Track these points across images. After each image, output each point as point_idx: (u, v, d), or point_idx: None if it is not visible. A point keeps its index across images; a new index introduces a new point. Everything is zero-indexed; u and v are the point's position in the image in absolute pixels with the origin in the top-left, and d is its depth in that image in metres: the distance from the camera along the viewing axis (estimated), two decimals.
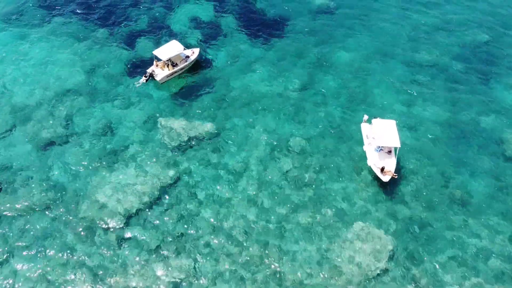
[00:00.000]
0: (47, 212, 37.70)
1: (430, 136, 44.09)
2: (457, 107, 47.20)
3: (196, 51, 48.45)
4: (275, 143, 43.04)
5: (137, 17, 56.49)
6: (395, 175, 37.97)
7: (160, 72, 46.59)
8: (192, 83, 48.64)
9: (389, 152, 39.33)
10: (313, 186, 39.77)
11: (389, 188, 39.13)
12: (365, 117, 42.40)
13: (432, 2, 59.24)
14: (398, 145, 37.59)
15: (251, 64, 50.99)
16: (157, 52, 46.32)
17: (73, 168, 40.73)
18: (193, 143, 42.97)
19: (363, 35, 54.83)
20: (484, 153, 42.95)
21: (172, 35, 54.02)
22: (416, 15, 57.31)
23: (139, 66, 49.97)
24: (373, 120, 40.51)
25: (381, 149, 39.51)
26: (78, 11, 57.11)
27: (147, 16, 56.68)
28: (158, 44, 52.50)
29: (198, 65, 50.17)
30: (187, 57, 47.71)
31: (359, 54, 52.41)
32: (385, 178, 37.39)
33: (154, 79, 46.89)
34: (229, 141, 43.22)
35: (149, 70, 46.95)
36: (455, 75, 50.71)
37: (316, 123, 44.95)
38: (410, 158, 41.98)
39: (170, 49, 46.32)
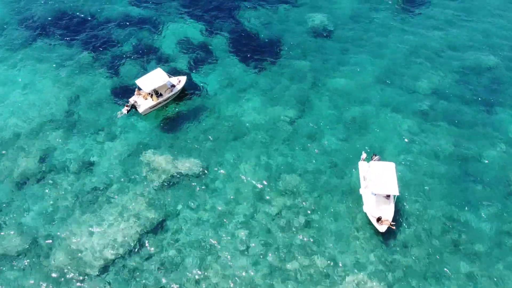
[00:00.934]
0: (18, 260, 34.97)
1: (431, 173, 41.28)
2: (460, 140, 44.37)
3: (183, 79, 45.58)
4: (265, 182, 40.27)
5: (123, 39, 53.72)
6: (392, 225, 35.17)
7: (143, 103, 43.73)
8: (178, 112, 45.88)
9: (387, 196, 36.54)
10: (305, 231, 37.00)
11: (386, 234, 36.31)
12: (363, 155, 39.64)
13: (432, 24, 56.28)
14: (396, 193, 34.79)
15: (242, 91, 48.26)
16: (139, 82, 43.47)
17: (49, 210, 38.00)
18: (179, 180, 40.24)
19: (360, 59, 52.00)
20: (491, 192, 40.11)
21: (159, 59, 51.35)
22: (415, 38, 54.44)
23: (124, 93, 47.22)
24: (371, 163, 37.72)
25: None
26: (61, 32, 54.39)
27: (133, 38, 53.91)
28: (144, 69, 49.90)
29: (185, 93, 47.42)
30: (173, 86, 44.80)
31: (356, 81, 49.61)
32: (382, 228, 34.61)
33: (137, 110, 44.04)
34: (217, 179, 40.51)
35: (131, 100, 44.09)
36: (457, 103, 47.86)
37: (310, 158, 42.17)
38: (410, 198, 39.18)
39: (154, 79, 43.37)
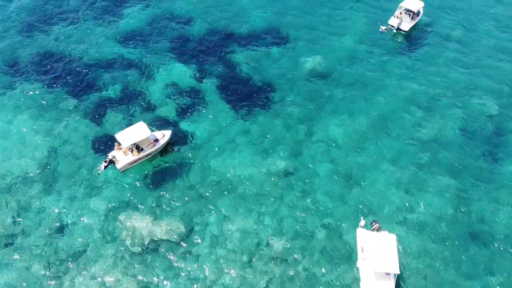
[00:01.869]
0: None
1: (434, 237, 38.17)
2: (464, 197, 41.39)
3: (167, 134, 42.70)
4: (253, 248, 37.06)
5: (108, 84, 51.21)
6: None
7: (122, 159, 40.67)
8: (163, 167, 42.95)
9: (388, 273, 33.31)
10: None
11: None
12: (362, 222, 36.54)
13: (432, 67, 53.99)
14: (397, 271, 31.59)
15: (232, 142, 45.45)
16: (119, 136, 40.55)
17: (17, 283, 34.64)
18: (160, 246, 37.02)
19: (356, 105, 49.45)
20: (501, 260, 36.92)
21: (145, 106, 48.74)
22: (414, 83, 52.05)
23: (106, 144, 44.38)
24: (370, 233, 34.61)
25: None
26: (43, 76, 51.92)
27: (119, 82, 51.41)
28: (129, 117, 47.23)
29: (171, 146, 44.55)
30: (156, 140, 41.91)
31: (352, 129, 46.91)
32: None
33: (115, 165, 41.01)
34: (201, 244, 37.30)
35: (110, 155, 41.04)
36: (460, 155, 45.06)
37: (302, 222, 39.04)
38: (411, 268, 35.94)
39: (135, 133, 40.40)
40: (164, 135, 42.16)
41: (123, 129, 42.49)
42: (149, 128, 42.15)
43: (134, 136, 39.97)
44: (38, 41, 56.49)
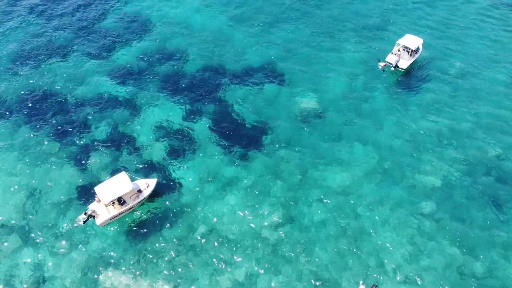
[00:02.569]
0: None
1: None
2: (470, 250, 38.77)
3: (152, 183, 40.18)
4: None
5: (96, 124, 49.07)
6: None
7: (102, 213, 37.92)
8: (148, 218, 40.36)
9: None
10: None
11: None
12: (361, 287, 33.86)
13: (431, 107, 51.96)
14: None
15: (222, 190, 43.00)
16: (99, 190, 37.85)
17: None
18: None
19: (353, 149, 47.21)
20: None
21: (133, 148, 46.48)
22: (414, 124, 49.95)
23: (89, 192, 41.90)
24: None
25: None
26: (27, 116, 49.81)
27: (107, 122, 49.29)
28: (115, 162, 44.88)
29: (157, 193, 42.08)
30: (140, 191, 39.37)
31: (349, 175, 44.54)
32: None
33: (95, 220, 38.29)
34: None
35: (90, 209, 38.27)
36: (464, 204, 42.53)
37: (297, 278, 36.31)
38: None
39: (116, 187, 37.55)
40: (148, 185, 39.62)
41: (105, 179, 40.06)
42: (133, 177, 39.72)
43: (115, 190, 37.25)
44: (24, 78, 54.65)
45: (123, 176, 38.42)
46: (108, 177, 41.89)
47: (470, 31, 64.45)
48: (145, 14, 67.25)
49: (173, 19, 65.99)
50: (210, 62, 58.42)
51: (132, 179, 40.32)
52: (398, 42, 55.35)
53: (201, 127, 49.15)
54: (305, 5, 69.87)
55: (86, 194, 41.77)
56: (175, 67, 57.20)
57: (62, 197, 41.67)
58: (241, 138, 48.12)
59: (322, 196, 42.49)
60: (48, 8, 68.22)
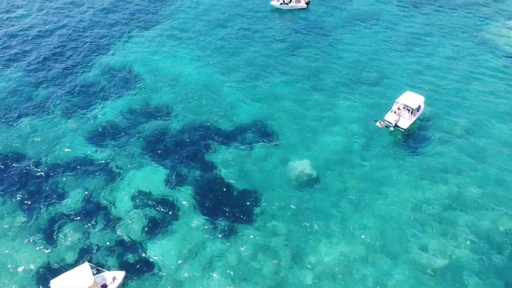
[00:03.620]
0: None
1: None
2: None
3: (119, 276, 35.21)
4: None
5: (68, 192, 45.01)
6: None
7: None
8: None
9: None
10: None
11: None
12: None
13: (436, 171, 47.86)
14: None
15: (205, 269, 38.40)
16: (55, 284, 33.07)
17: None
18: None
19: (351, 222, 42.75)
20: None
21: (108, 220, 42.21)
22: (417, 191, 45.68)
23: (54, 277, 37.17)
24: None
25: None
26: None
27: (81, 190, 45.19)
28: (85, 238, 40.49)
29: (127, 283, 37.38)
30: (105, 286, 34.46)
31: (347, 253, 39.94)
32: None
33: None
34: None
35: None
36: (473, 284, 37.84)
37: None
38: None
39: (75, 281, 32.71)
40: (115, 278, 34.80)
41: (64, 272, 35.12)
42: (98, 268, 35.01)
43: (74, 286, 32.36)
44: None
45: (85, 268, 33.60)
46: (72, 267, 37.15)
47: (471, 85, 61.34)
48: (131, 66, 64.43)
49: (160, 72, 63.09)
50: (198, 118, 54.90)
51: (98, 271, 35.68)
52: (397, 100, 51.90)
53: (185, 196, 44.95)
54: (295, 57, 67.23)
55: (55, 275, 37.02)
56: (160, 125, 53.62)
57: (24, 281, 36.94)
58: (228, 208, 43.84)
59: (314, 279, 37.77)
60: (25, 57, 65.36)
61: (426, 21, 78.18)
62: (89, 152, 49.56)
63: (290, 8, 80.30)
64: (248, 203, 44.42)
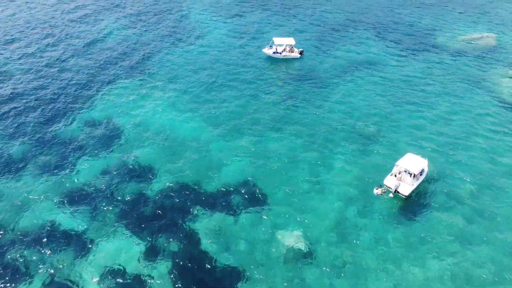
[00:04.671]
0: None
1: None
2: None
3: None
4: None
5: (30, 271, 39.91)
6: None
7: None
8: None
9: None
10: None
11: None
12: None
13: (441, 245, 43.05)
14: None
15: None
16: None
17: None
18: None
19: None
20: None
21: None
22: (421, 270, 40.87)
23: None
24: None
25: None
26: None
27: (45, 268, 40.16)
28: None
29: None
30: None
31: None
32: None
33: None
34: None
35: None
36: None
37: None
38: None
39: None
40: None
41: None
42: None
43: None
44: None
45: None
46: None
47: (475, 141, 57.62)
48: (113, 118, 60.69)
49: (143, 125, 59.30)
50: (181, 179, 50.59)
51: None
52: (397, 163, 47.82)
53: (161, 273, 39.95)
54: (287, 110, 63.75)
55: None
56: (138, 187, 49.20)
57: None
58: (209, 286, 38.88)
59: None
60: None
61: (425, 70, 75.44)
62: (57, 219, 44.86)
63: (283, 57, 77.61)
64: (231, 281, 39.41)
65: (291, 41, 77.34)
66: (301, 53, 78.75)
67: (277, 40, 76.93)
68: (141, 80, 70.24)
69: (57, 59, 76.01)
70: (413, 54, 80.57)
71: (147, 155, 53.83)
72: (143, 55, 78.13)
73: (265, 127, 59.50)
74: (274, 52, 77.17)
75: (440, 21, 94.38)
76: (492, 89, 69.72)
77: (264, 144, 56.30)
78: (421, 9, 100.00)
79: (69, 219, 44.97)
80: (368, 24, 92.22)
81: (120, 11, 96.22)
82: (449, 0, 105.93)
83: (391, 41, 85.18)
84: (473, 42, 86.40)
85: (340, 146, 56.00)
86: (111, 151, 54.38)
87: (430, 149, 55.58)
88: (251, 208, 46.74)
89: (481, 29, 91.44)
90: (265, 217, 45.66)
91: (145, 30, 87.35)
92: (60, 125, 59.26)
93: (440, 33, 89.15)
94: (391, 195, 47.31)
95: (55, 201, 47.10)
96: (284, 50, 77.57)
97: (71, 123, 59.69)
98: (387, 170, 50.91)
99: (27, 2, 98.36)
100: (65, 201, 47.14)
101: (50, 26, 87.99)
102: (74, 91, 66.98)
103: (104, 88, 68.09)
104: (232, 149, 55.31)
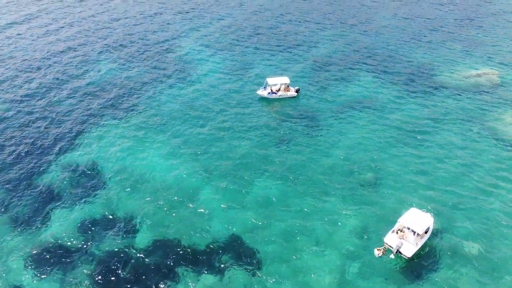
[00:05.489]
0: None
1: None
2: None
3: None
4: None
5: None
6: None
7: None
8: None
9: None
10: None
11: None
12: None
13: None
14: None
15: None
16: None
17: None
18: None
19: None
20: None
21: None
22: None
23: None
24: None
25: None
26: None
27: None
28: None
29: None
30: None
31: None
32: None
33: None
34: None
35: None
36: None
37: None
38: None
39: None
40: None
41: None
42: None
43: None
44: None
45: None
46: None
47: (486, 192, 53.66)
48: (95, 164, 57.15)
49: (128, 172, 55.66)
50: (166, 233, 46.74)
51: None
52: (400, 220, 43.97)
53: None
54: (282, 153, 60.14)
55: None
56: (118, 244, 45.20)
57: None
58: None
59: None
60: None
61: (425, 110, 72.21)
62: (25, 284, 40.70)
63: (279, 97, 74.74)
64: None
65: (285, 80, 74.61)
66: (297, 91, 75.90)
67: (271, 80, 74.20)
68: (126, 122, 66.95)
69: (38, 98, 73.11)
70: (413, 93, 77.66)
71: (128, 207, 50.03)
72: (131, 95, 75.11)
73: (258, 172, 55.88)
74: (269, 93, 74.32)
75: (439, 58, 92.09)
76: (497, 131, 66.36)
77: (254, 193, 52.56)
78: (420, 46, 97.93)
79: (38, 283, 40.84)
80: (366, 62, 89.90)
81: (109, 50, 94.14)
82: (448, 36, 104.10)
83: (389, 79, 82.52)
84: (474, 79, 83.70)
85: (336, 195, 52.17)
86: (90, 202, 50.65)
87: (433, 200, 51.73)
88: (240, 270, 42.64)
89: (482, 65, 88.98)
90: (255, 277, 41.53)
91: (134, 69, 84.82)
92: (40, 171, 55.72)
93: (440, 70, 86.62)
94: (392, 255, 43.18)
95: (23, 260, 43.08)
96: (279, 89, 74.77)
97: (52, 170, 56.12)
98: (389, 223, 47.00)
99: (8, 38, 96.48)
100: (34, 260, 43.12)
101: (34, 59, 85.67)
102: (58, 134, 63.67)
103: (87, 130, 64.79)
104: (220, 198, 51.56)
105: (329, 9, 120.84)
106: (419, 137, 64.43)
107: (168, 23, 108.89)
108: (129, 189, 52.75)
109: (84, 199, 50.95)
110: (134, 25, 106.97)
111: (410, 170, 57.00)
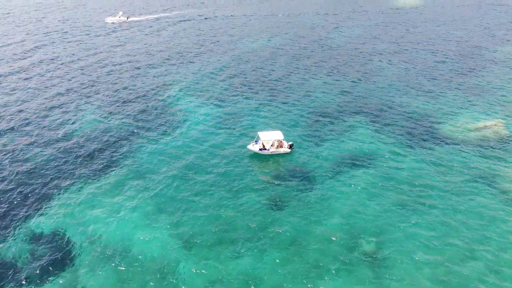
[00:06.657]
0: None
1: None
2: None
3: None
4: None
5: None
6: None
7: None
8: None
9: None
10: None
11: None
12: None
13: None
14: None
15: None
16: None
17: None
18: None
19: None
20: None
21: None
22: None
23: None
24: None
25: None
26: None
27: None
28: None
29: None
30: None
31: None
32: None
33: None
34: None
35: None
36: None
37: None
38: None
39: None
40: None
41: None
42: None
43: None
44: None
45: None
46: None
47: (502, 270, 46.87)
48: (65, 231, 50.54)
49: (101, 241, 49.30)
50: None
51: None
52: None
53: None
54: (274, 218, 53.49)
55: None
56: None
57: None
58: None
59: None
60: None
61: (429, 168, 65.99)
62: None
63: (272, 154, 68.65)
64: None
65: (279, 135, 68.78)
66: (291, 146, 69.96)
67: (263, 135, 68.39)
68: (104, 183, 60.36)
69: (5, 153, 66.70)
70: (414, 148, 71.79)
71: (100, 285, 42.77)
72: (109, 151, 68.84)
73: (247, 241, 49.24)
74: (260, 149, 68.26)
75: (441, 108, 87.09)
76: (508, 190, 60.16)
77: (241, 267, 45.57)
78: (420, 96, 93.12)
79: None
80: (363, 111, 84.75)
81: (90, 101, 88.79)
82: (449, 86, 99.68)
83: (389, 132, 76.91)
84: (479, 131, 78.26)
85: (336, 274, 45.09)
86: (56, 277, 43.41)
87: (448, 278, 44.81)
88: None
89: (486, 116, 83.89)
90: None
91: (115, 121, 79.02)
92: (2, 240, 48.60)
93: (443, 122, 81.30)
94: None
95: None
96: (272, 145, 68.82)
97: (15, 239, 49.06)
98: None
99: None
100: None
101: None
102: (22, 199, 56.77)
103: (59, 192, 58.03)
104: (204, 273, 44.42)
105: (322, 57, 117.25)
106: (423, 200, 57.96)
107: (155, 68, 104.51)
108: (100, 263, 46.12)
109: (50, 276, 43.93)
110: (120, 73, 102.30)
111: (415, 236, 50.44)
